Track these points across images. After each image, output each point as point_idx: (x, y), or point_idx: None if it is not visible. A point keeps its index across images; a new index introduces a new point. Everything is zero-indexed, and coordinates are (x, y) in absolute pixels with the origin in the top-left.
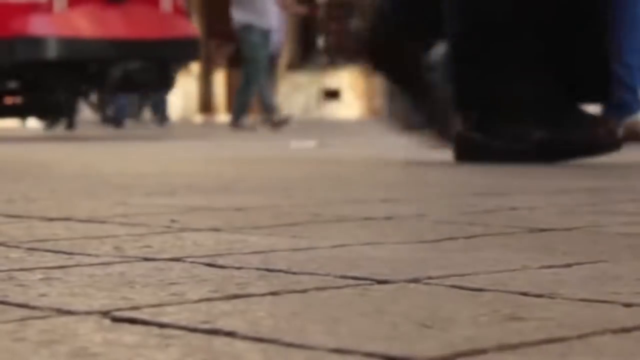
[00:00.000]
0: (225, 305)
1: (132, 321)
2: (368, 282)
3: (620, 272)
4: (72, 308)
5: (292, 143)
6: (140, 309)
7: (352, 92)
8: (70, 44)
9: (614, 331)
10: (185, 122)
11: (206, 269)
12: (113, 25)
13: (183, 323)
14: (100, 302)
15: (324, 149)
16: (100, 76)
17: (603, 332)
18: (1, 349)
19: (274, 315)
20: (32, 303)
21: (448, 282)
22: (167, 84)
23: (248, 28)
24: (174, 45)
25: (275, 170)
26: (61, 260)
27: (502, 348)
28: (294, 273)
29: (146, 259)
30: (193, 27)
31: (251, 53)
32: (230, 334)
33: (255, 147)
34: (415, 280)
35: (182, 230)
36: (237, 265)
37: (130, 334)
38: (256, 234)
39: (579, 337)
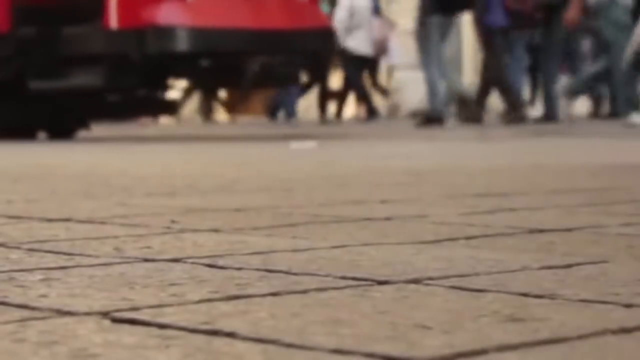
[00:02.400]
0: (226, 306)
1: (132, 322)
2: (368, 282)
3: (620, 272)
4: (72, 309)
5: (292, 144)
6: (140, 310)
7: None
8: (203, 35)
9: (614, 332)
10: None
11: (206, 269)
12: (249, 15)
13: (183, 324)
14: (100, 302)
15: (323, 150)
16: (234, 71)
17: (603, 333)
18: (1, 350)
19: (274, 316)
20: (32, 304)
21: (448, 282)
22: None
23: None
24: (311, 37)
25: (275, 170)
26: (61, 261)
27: (502, 348)
28: (294, 274)
29: (146, 260)
30: (328, 17)
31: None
32: (230, 335)
33: (255, 147)
34: (416, 281)
35: (182, 231)
36: (237, 266)
37: (130, 335)
38: (256, 234)
39: (580, 337)
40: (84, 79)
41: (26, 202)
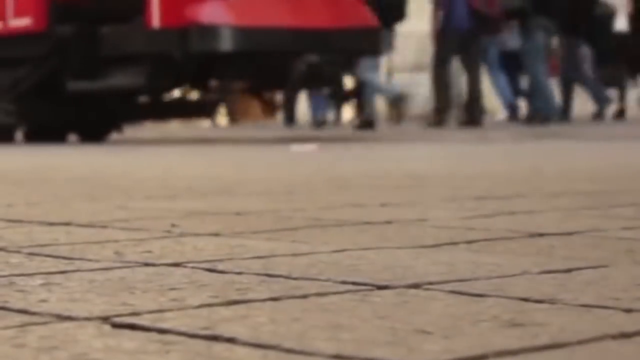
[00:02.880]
0: (226, 311)
1: (132, 327)
2: (368, 287)
3: (620, 277)
4: (72, 314)
5: (293, 147)
6: (141, 315)
7: None
8: (247, 34)
9: (614, 336)
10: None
11: (206, 274)
12: (293, 13)
13: (183, 329)
14: (101, 307)
15: (324, 153)
16: (280, 71)
17: (603, 338)
18: (1, 355)
19: (274, 321)
20: (32, 309)
21: (448, 287)
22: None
23: None
24: (357, 36)
25: (275, 173)
26: (61, 265)
27: (502, 354)
28: (295, 278)
29: (146, 264)
30: (373, 16)
31: None
32: (230, 340)
33: (256, 150)
34: (416, 286)
35: (183, 235)
36: (237, 270)
37: (130, 340)
38: (256, 238)
39: (580, 342)
40: (123, 79)
41: (26, 206)
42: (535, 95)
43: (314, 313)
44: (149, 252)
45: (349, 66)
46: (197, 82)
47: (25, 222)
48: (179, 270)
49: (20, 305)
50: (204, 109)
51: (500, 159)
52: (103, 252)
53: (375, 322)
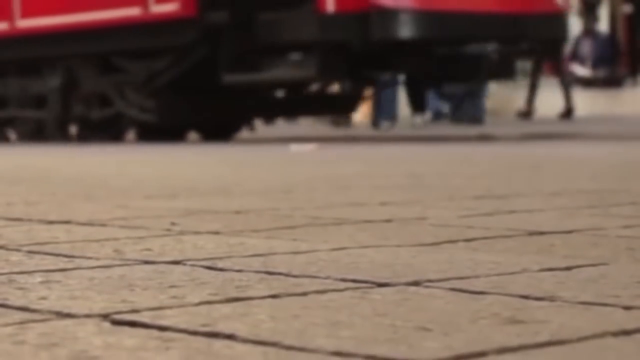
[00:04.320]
0: (226, 308)
1: (132, 324)
2: (368, 285)
3: (620, 274)
4: (72, 311)
5: (292, 146)
6: (140, 312)
7: None
8: (433, 19)
9: (614, 334)
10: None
11: (206, 271)
12: None
13: (183, 326)
14: (100, 305)
15: (323, 152)
16: (470, 61)
17: (603, 335)
18: (1, 352)
19: (274, 318)
20: (32, 306)
21: (448, 285)
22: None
23: None
24: (546, 22)
25: (275, 173)
26: (61, 263)
27: (502, 351)
28: (294, 276)
29: (146, 262)
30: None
31: None
32: (230, 337)
33: (256, 150)
34: (416, 283)
35: (182, 233)
36: (237, 268)
37: (130, 337)
38: (256, 236)
39: (580, 339)
40: (289, 71)
41: (26, 205)
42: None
43: (313, 310)
44: (149, 250)
45: (553, 53)
46: (357, 74)
47: (25, 221)
48: (178, 268)
49: (20, 302)
50: (347, 105)
51: (499, 158)
52: (103, 250)
53: (375, 320)
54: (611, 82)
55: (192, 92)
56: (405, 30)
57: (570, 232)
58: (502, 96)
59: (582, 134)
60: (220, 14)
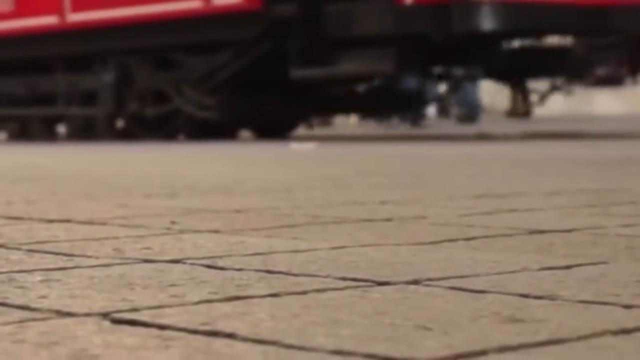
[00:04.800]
0: (225, 307)
1: (132, 323)
2: (368, 283)
3: (620, 273)
4: (72, 310)
5: (292, 145)
6: (140, 311)
7: None
8: (519, 10)
9: (614, 332)
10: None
11: (206, 270)
12: None
13: (183, 325)
14: (100, 303)
15: (323, 151)
16: (556, 56)
17: (603, 334)
18: (1, 351)
19: (274, 317)
20: (32, 305)
21: (448, 283)
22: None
23: None
24: (635, 15)
25: (275, 172)
26: (61, 262)
27: (502, 349)
28: (294, 275)
29: (146, 261)
30: None
31: None
32: (230, 336)
33: (255, 148)
34: (415, 282)
35: (182, 232)
36: (237, 266)
37: (130, 336)
38: (256, 235)
39: (579, 338)
40: (361, 65)
41: (26, 203)
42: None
43: (313, 309)
44: (149, 248)
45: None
46: (428, 69)
47: (25, 220)
48: (178, 267)
49: (20, 301)
50: (414, 101)
51: (498, 157)
52: (103, 248)
53: (374, 318)
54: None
55: (251, 88)
56: (488, 22)
57: (570, 231)
58: (492, 92)
59: (582, 133)
60: (287, 7)
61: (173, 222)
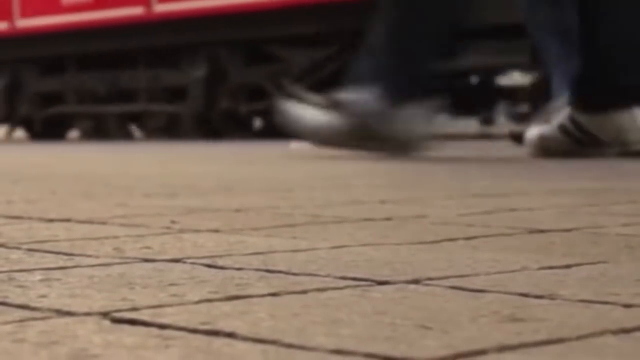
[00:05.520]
0: (225, 306)
1: (132, 322)
2: (368, 283)
3: (620, 273)
4: (72, 309)
5: (292, 144)
6: (140, 310)
7: None
8: None
9: (614, 332)
10: None
11: (206, 270)
12: None
13: (183, 324)
14: (100, 303)
15: (323, 150)
16: None
17: (603, 333)
18: (1, 350)
19: (274, 316)
20: (31, 304)
21: (448, 283)
22: None
23: None
24: None
25: (275, 171)
26: (61, 261)
27: (502, 349)
28: (294, 274)
29: (146, 260)
30: None
31: None
32: (230, 335)
33: (255, 147)
34: (415, 281)
35: (182, 231)
36: (237, 266)
37: (130, 335)
38: (256, 235)
39: (579, 338)
40: (492, 56)
41: (26, 203)
42: None
43: (313, 308)
44: (149, 248)
45: None
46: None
47: (25, 219)
48: (178, 266)
49: (20, 300)
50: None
51: (499, 155)
52: (103, 248)
53: (374, 318)
54: None
55: None
56: None
57: (569, 230)
58: None
59: None
60: None
61: (173, 222)
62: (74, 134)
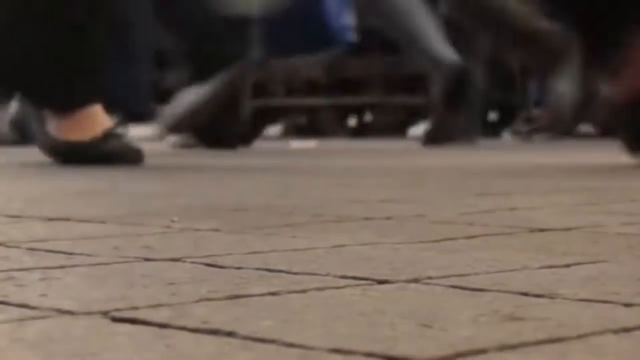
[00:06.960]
0: (225, 305)
1: (132, 321)
2: (368, 282)
3: (620, 272)
4: (72, 308)
5: (292, 143)
6: (140, 309)
7: None
8: None
9: (614, 331)
10: None
11: (206, 269)
12: None
13: (182, 323)
14: (100, 302)
15: (323, 149)
16: None
17: (603, 332)
18: (0, 349)
19: (274, 316)
20: (31, 303)
21: (448, 282)
22: None
23: None
24: None
25: (275, 170)
26: (61, 260)
27: (502, 348)
28: (294, 273)
29: (146, 259)
30: None
31: None
32: (230, 334)
33: (255, 146)
34: (415, 280)
35: (182, 230)
36: (236, 265)
37: (129, 335)
38: (256, 234)
39: (579, 337)
40: None
41: (25, 202)
42: None
43: (313, 307)
44: (148, 247)
45: None
46: None
47: (25, 218)
48: (178, 265)
49: (19, 299)
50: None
51: (500, 155)
52: (102, 247)
53: (374, 317)
54: None
55: None
56: None
57: (569, 229)
58: None
59: (580, 132)
60: None
61: (173, 221)
62: (275, 129)
